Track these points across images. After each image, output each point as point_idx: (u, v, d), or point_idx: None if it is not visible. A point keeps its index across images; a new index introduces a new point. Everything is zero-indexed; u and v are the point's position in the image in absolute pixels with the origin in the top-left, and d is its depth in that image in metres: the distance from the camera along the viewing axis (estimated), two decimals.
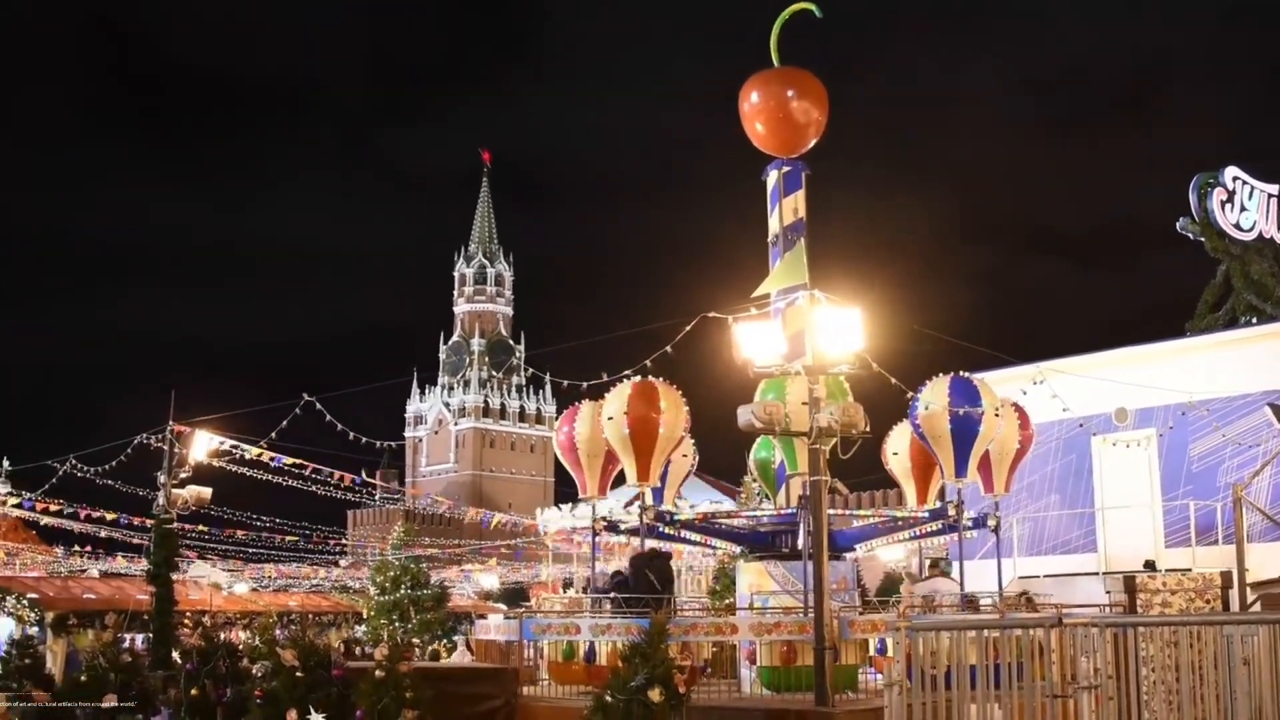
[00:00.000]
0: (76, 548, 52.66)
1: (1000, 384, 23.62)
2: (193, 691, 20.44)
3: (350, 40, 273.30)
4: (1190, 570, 26.16)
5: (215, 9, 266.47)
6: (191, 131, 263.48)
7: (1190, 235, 34.79)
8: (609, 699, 14.47)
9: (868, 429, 17.69)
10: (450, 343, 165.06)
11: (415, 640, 35.17)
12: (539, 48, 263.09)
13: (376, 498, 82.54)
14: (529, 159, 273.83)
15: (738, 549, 23.11)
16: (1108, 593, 25.53)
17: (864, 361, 18.66)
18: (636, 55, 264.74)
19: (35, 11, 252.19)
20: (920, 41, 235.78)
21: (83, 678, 21.88)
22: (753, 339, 18.32)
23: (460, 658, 32.69)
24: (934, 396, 20.82)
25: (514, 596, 62.32)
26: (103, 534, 45.06)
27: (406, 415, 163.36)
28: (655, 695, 14.09)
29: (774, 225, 21.96)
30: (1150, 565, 26.84)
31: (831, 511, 18.90)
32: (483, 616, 33.76)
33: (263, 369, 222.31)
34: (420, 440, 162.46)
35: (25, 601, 29.39)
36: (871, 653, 19.72)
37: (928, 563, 23.75)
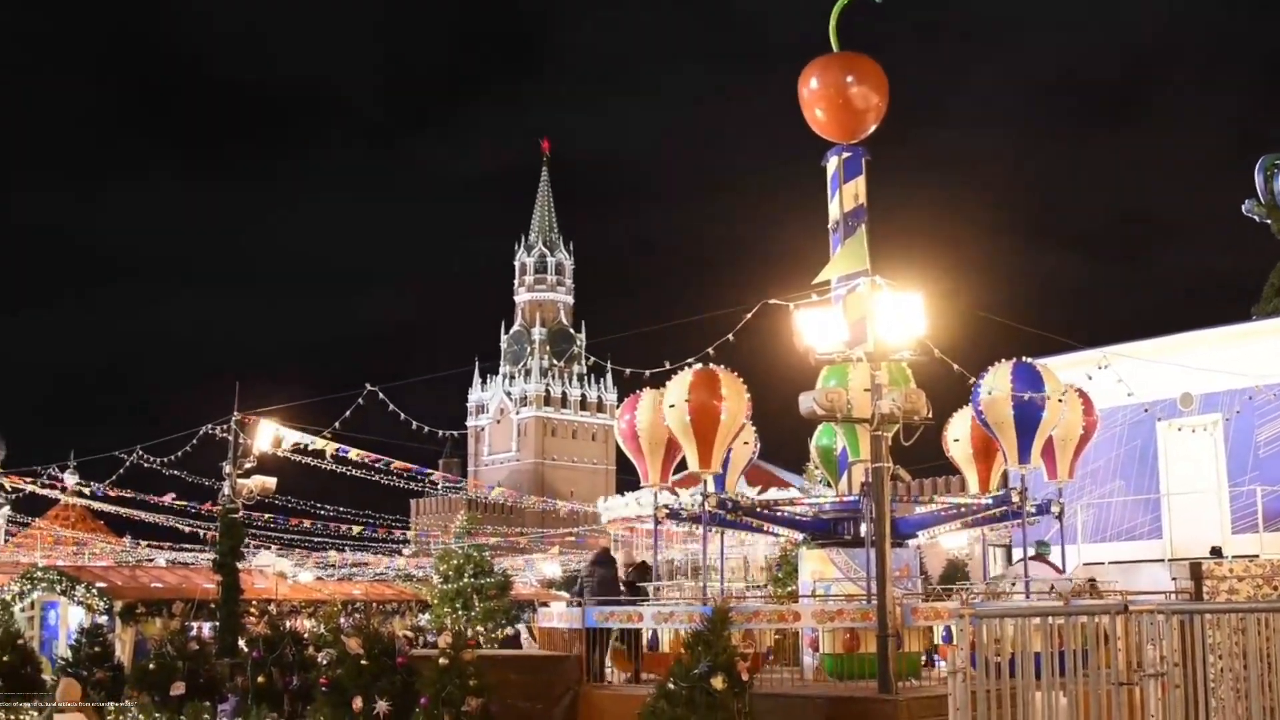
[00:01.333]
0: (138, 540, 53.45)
1: (1063, 369, 23.44)
2: (259, 679, 20.68)
3: (366, 51, 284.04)
4: (1258, 556, 25.85)
5: (236, 21, 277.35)
6: (217, 138, 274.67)
7: (1256, 218, 34.28)
8: (672, 687, 14.50)
9: (930, 415, 17.63)
10: (511, 332, 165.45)
11: (479, 628, 35.30)
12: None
13: (439, 487, 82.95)
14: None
15: (800, 536, 23.08)
16: (1174, 579, 25.29)
17: (925, 347, 18.60)
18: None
19: (61, 26, 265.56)
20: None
21: (151, 665, 22.17)
22: (814, 326, 18.28)
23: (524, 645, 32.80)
24: (997, 382, 20.69)
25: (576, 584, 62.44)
26: (169, 523, 45.61)
27: (468, 404, 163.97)
28: (718, 683, 14.12)
29: (834, 211, 21.88)
30: (1217, 552, 26.55)
31: (893, 498, 18.86)
32: (545, 604, 33.83)
33: (313, 365, 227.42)
34: (482, 429, 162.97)
35: (94, 590, 29.71)
36: (936, 640, 19.69)
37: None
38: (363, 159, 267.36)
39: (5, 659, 24.92)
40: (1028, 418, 20.48)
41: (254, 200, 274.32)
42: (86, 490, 40.97)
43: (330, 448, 32.17)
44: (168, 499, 41.39)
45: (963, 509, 22.58)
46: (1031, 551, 22.00)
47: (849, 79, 21.62)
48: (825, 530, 21.87)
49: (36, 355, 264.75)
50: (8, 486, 44.40)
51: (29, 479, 43.93)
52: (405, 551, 68.27)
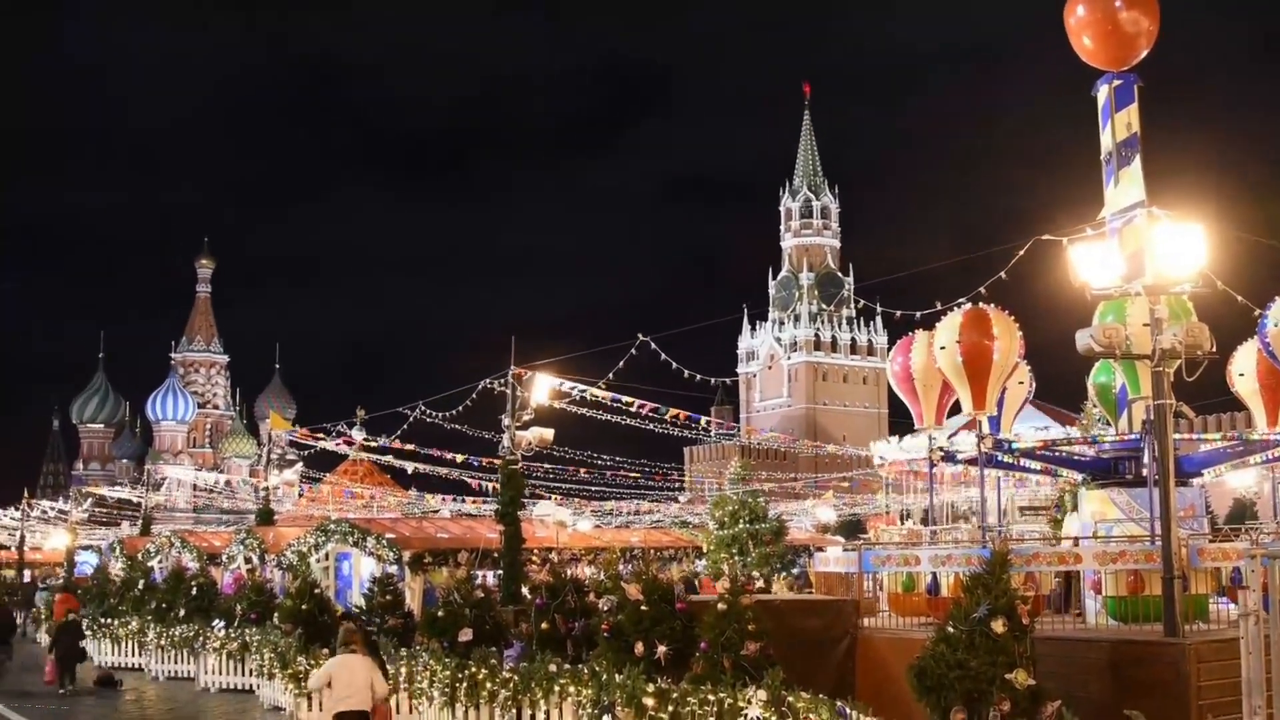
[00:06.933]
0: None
1: None
2: (543, 625, 21.16)
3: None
4: None
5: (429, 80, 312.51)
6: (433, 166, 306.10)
7: None
8: (951, 630, 14.39)
9: (1213, 349, 17.06)
10: (779, 278, 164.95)
11: (755, 574, 35.45)
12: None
13: (713, 434, 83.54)
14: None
15: (1079, 477, 22.63)
16: None
17: (1207, 279, 17.99)
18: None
19: (283, 77, 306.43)
20: None
21: (439, 613, 22.90)
22: (1089, 260, 17.82)
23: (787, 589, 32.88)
24: None
25: (851, 529, 62.35)
26: (453, 476, 46.97)
27: (738, 352, 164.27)
28: (998, 626, 13.94)
29: (1106, 142, 21.24)
30: None
31: (1176, 436, 18.34)
32: (821, 549, 33.85)
33: (583, 327, 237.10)
34: (753, 376, 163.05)
35: (384, 541, 30.76)
36: (1225, 582, 19.12)
37: None
38: (554, 178, 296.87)
39: (304, 607, 26.06)
40: None
41: (467, 207, 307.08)
42: (374, 443, 42.50)
43: (607, 396, 32.68)
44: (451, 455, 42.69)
45: (1250, 445, 21.82)
46: None
47: (1117, 3, 20.93)
48: (1105, 470, 21.40)
49: (324, 333, 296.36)
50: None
51: (320, 435, 45.84)
52: (680, 499, 68.99)
